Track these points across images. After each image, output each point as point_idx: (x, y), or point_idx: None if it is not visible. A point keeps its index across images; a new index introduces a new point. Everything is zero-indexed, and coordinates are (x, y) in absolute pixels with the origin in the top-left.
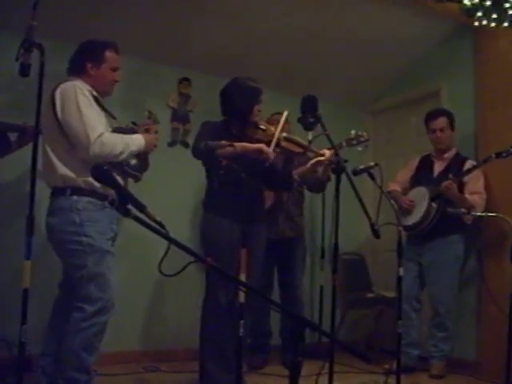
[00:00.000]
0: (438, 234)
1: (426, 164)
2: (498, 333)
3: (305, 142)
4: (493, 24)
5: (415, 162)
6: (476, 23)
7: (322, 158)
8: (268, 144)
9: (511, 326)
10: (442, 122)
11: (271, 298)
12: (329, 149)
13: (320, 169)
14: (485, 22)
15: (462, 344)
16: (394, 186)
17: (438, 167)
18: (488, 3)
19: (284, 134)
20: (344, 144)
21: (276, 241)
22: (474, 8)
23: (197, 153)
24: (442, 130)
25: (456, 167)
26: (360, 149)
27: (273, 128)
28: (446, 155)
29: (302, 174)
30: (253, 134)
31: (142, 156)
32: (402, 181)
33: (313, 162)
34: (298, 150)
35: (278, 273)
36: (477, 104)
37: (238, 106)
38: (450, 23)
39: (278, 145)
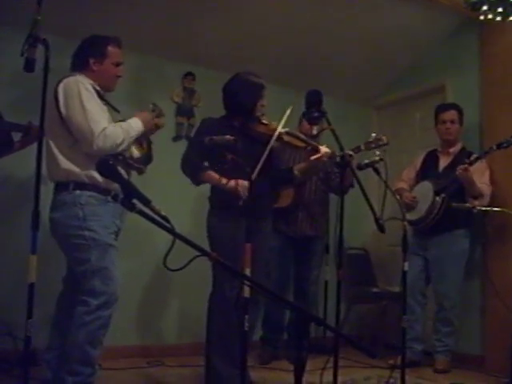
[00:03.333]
0: (443, 228)
1: (431, 159)
2: (502, 327)
3: (306, 138)
4: (498, 18)
5: (420, 159)
6: (481, 17)
7: (319, 155)
8: (270, 138)
9: None
10: (453, 114)
11: (274, 292)
12: (341, 154)
13: (322, 165)
14: (490, 16)
15: (467, 338)
16: (401, 185)
17: (443, 162)
18: None
19: (286, 129)
20: (362, 147)
21: (294, 239)
22: (480, 2)
23: (185, 162)
24: (452, 121)
25: (462, 162)
26: (378, 153)
27: (274, 123)
28: (451, 150)
29: (303, 170)
30: (255, 128)
31: (145, 143)
32: (408, 178)
33: (313, 158)
34: (300, 144)
35: (294, 268)
36: (482, 99)
37: (242, 101)
38: (456, 17)
39: (279, 139)
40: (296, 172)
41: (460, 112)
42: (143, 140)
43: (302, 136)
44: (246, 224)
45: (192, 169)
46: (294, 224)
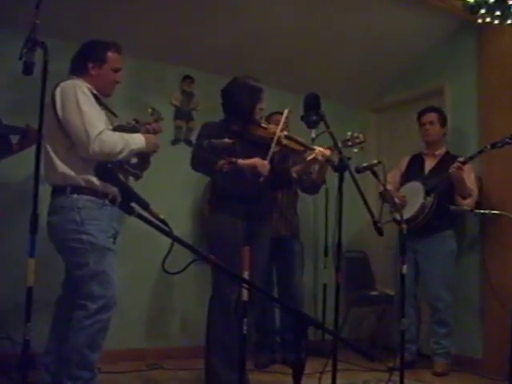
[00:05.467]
0: (432, 229)
1: (416, 162)
2: (502, 330)
3: (305, 141)
4: (496, 21)
5: (405, 162)
6: (479, 20)
7: (314, 155)
8: (270, 142)
9: None
10: (431, 116)
11: (276, 297)
12: (330, 148)
13: (315, 167)
14: (488, 19)
15: (467, 342)
16: (388, 187)
17: (429, 165)
18: (491, 0)
19: (285, 133)
20: (340, 145)
21: (271, 240)
22: (478, 5)
23: (197, 158)
24: (431, 123)
25: (447, 165)
26: (355, 150)
27: (273, 126)
28: (437, 152)
29: (301, 172)
30: (255, 131)
31: (144, 155)
32: (394, 181)
33: (309, 158)
34: (299, 148)
35: (276, 272)
36: (480, 101)
37: (240, 105)
38: (454, 20)
39: (279, 143)
40: (294, 174)
41: (440, 114)
42: None
43: (301, 139)
44: (245, 226)
45: (207, 159)
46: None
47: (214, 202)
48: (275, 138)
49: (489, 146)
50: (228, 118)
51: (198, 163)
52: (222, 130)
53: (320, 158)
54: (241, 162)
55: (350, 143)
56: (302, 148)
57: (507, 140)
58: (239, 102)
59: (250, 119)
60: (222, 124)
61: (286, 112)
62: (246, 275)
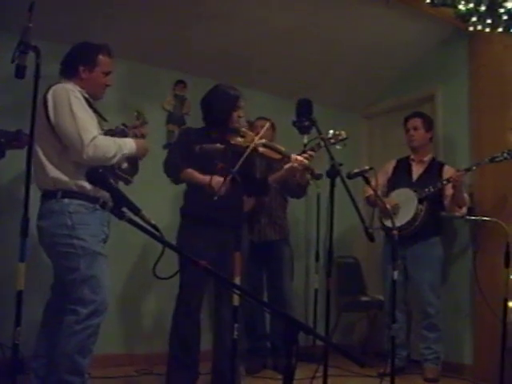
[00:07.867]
0: (420, 236)
1: (403, 167)
2: (492, 336)
3: (283, 149)
4: (487, 29)
5: (391, 165)
6: (471, 28)
7: (295, 165)
8: (245, 149)
9: (505, 330)
10: (415, 121)
11: (265, 301)
12: (305, 151)
13: (297, 174)
14: (479, 27)
15: (458, 348)
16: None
17: (417, 171)
18: (482, 8)
19: (262, 141)
20: (322, 144)
21: (260, 244)
22: (469, 13)
23: (167, 163)
24: (415, 128)
25: (435, 171)
26: (339, 147)
27: (252, 134)
28: (425, 158)
29: (279, 180)
30: (231, 139)
31: (133, 160)
32: (379, 184)
33: (287, 167)
34: (277, 156)
35: (266, 276)
36: (471, 108)
37: (217, 112)
38: (445, 28)
39: (255, 151)
40: (271, 181)
41: (425, 119)
42: None
43: (279, 147)
44: (216, 236)
45: (173, 169)
46: (258, 229)
47: (187, 210)
48: (250, 146)
49: (487, 160)
50: (206, 126)
51: (167, 168)
52: (200, 136)
53: (297, 166)
54: (199, 177)
55: (332, 141)
56: (280, 156)
57: (506, 155)
58: (215, 109)
59: (226, 127)
60: (200, 131)
61: (267, 125)
62: (237, 281)
